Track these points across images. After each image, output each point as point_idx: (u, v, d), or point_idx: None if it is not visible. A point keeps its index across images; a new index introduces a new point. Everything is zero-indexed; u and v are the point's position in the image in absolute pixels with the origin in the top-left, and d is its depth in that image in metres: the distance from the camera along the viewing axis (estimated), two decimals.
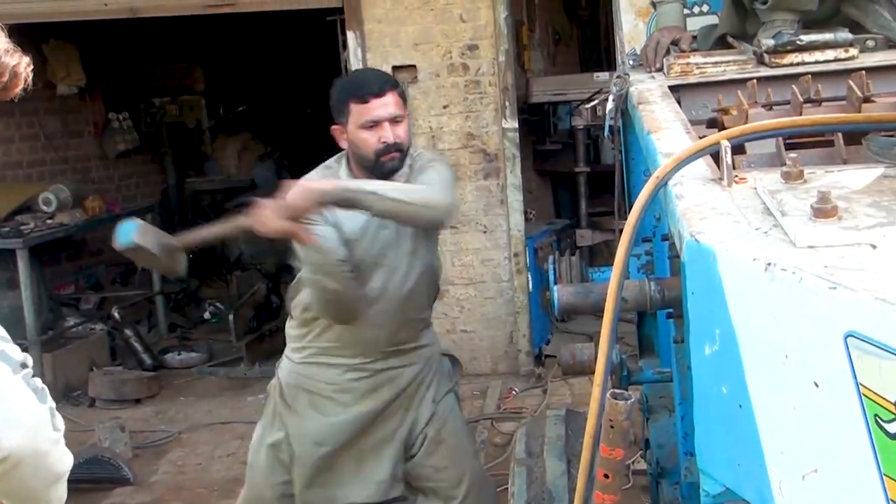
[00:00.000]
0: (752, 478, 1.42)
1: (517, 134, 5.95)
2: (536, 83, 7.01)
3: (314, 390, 3.15)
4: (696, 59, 2.85)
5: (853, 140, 1.93)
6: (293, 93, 9.91)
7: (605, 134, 3.04)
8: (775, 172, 1.70)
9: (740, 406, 1.42)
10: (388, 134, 2.95)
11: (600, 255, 7.63)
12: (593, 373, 2.92)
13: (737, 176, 1.70)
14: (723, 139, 1.71)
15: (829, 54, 2.74)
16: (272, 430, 3.22)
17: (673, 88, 2.74)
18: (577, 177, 7.25)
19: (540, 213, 7.23)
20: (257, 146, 9.60)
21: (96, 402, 6.38)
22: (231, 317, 6.93)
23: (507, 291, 6.06)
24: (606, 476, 1.50)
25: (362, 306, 2.94)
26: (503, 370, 6.14)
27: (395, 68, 5.88)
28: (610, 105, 2.84)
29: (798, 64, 2.75)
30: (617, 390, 1.49)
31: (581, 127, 7.04)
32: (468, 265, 6.07)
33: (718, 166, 1.78)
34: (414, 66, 5.90)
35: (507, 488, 4.51)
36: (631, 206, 3.44)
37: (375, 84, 3.00)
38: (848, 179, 1.59)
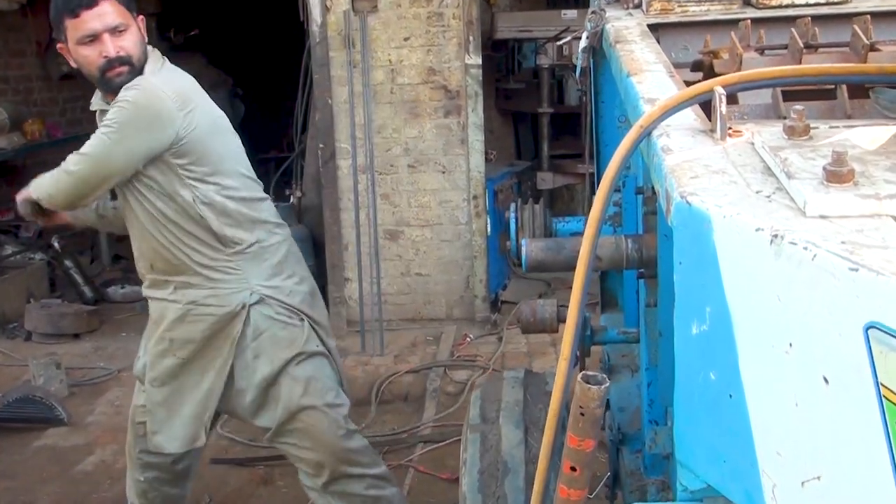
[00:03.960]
0: (739, 478, 1.25)
1: (480, 71, 5.69)
2: (502, 18, 6.75)
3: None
4: None
5: (857, 92, 1.74)
6: (250, 18, 9.54)
7: (577, 74, 2.82)
8: (775, 126, 1.50)
9: (730, 396, 1.24)
10: (109, 47, 2.70)
11: (561, 200, 7.46)
12: (555, 331, 2.75)
13: (731, 128, 1.49)
14: (717, 86, 1.50)
15: None
16: (143, 352, 3.20)
17: (652, 27, 2.53)
18: (540, 117, 7.04)
19: (500, 154, 7.01)
20: (211, 73, 9.23)
21: (32, 335, 6.13)
22: None
23: (465, 234, 5.86)
24: (573, 469, 1.31)
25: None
26: (458, 315, 5.95)
27: None
28: (583, 43, 2.62)
29: (788, 6, 2.56)
30: (589, 372, 1.29)
31: (546, 66, 6.83)
32: (425, 206, 5.84)
33: (709, 116, 1.58)
34: None
35: (454, 441, 4.38)
36: (599, 152, 3.25)
37: None
38: (859, 137, 1.39)
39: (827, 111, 1.72)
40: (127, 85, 2.72)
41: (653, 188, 2.05)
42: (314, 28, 5.66)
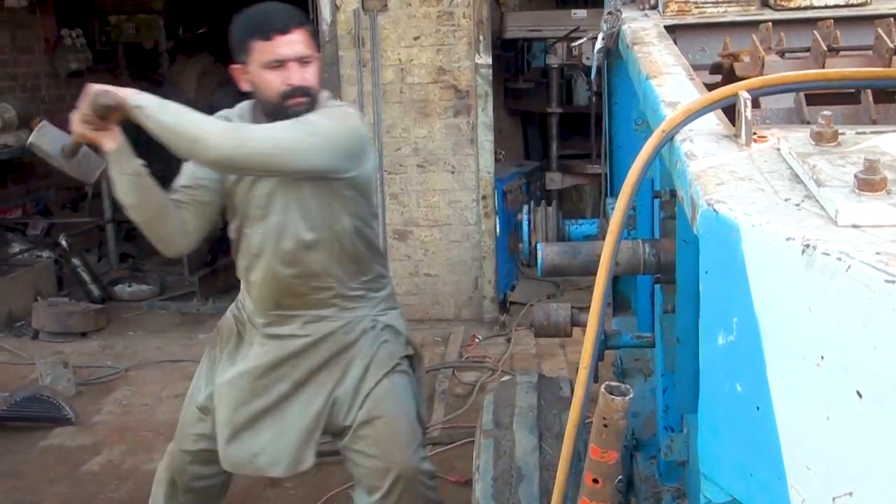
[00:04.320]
0: (767, 492, 1.22)
1: (490, 70, 5.66)
2: (511, 18, 6.71)
3: (238, 341, 2.98)
4: None
5: (881, 97, 1.71)
6: None
7: (592, 75, 2.79)
8: (800, 131, 1.47)
9: (758, 408, 1.22)
10: (295, 75, 2.65)
11: (569, 200, 7.42)
12: (568, 335, 2.72)
13: (755, 134, 1.47)
14: (741, 90, 1.48)
15: None
16: (206, 383, 3.00)
17: (668, 29, 2.50)
18: (548, 117, 7.01)
19: (509, 154, 6.98)
20: (219, 70, 9.16)
21: (40, 334, 6.11)
22: None
23: (474, 235, 5.83)
24: (596, 481, 1.28)
25: (176, 236, 2.76)
26: (466, 316, 5.93)
27: None
28: (599, 44, 2.59)
29: (806, 7, 2.53)
30: (613, 383, 1.27)
31: (555, 66, 6.80)
32: (434, 206, 5.82)
33: (732, 120, 1.55)
34: None
35: (463, 443, 4.36)
36: (612, 153, 3.22)
37: (280, 20, 2.68)
38: (889, 144, 1.36)
39: (851, 115, 1.69)
40: (334, 103, 2.74)
41: (671, 192, 2.02)
42: (324, 27, 5.63)
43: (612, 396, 1.25)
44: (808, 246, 1.10)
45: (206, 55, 9.15)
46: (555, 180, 6.94)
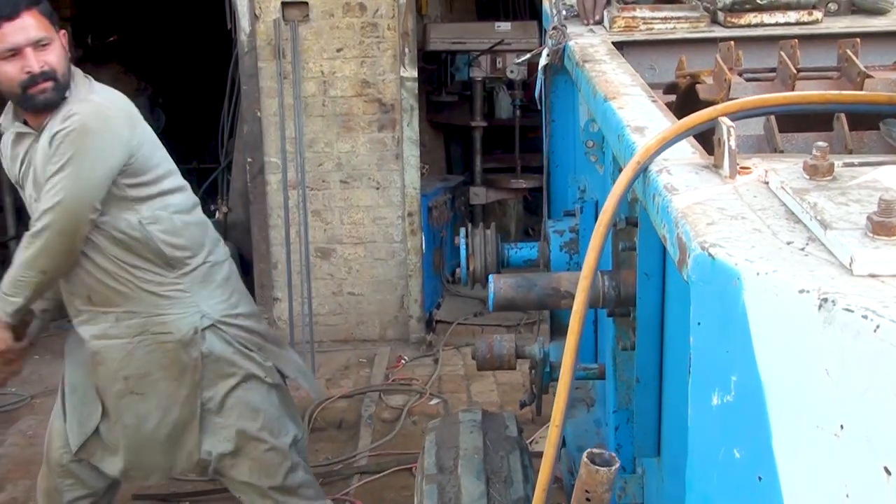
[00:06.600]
0: None
1: (416, 84, 5.51)
2: (434, 30, 6.58)
3: None
4: (643, 12, 2.51)
5: (855, 124, 1.61)
6: (169, 24, 9.24)
7: (536, 93, 2.66)
8: (784, 161, 1.35)
9: (760, 478, 1.08)
10: (32, 62, 2.55)
11: (493, 215, 7.31)
12: (512, 368, 2.58)
13: (738, 164, 1.34)
14: (721, 116, 1.35)
15: (791, 16, 2.44)
16: None
17: (616, 45, 2.39)
18: (472, 131, 6.89)
19: (432, 168, 6.84)
20: (129, 80, 8.89)
21: None
22: None
23: (400, 253, 5.66)
24: None
25: None
26: (392, 336, 5.75)
27: (284, 4, 5.36)
28: (544, 60, 2.46)
29: (757, 25, 2.45)
30: (596, 450, 1.12)
31: (479, 79, 6.71)
32: (358, 223, 5.63)
33: (706, 147, 1.43)
34: (306, 3, 5.38)
35: (392, 472, 4.18)
36: (549, 171, 3.09)
37: (6, 5, 2.56)
38: (888, 178, 1.24)
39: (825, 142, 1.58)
40: (65, 113, 2.57)
41: (626, 220, 1.89)
42: (242, 37, 5.42)
43: (597, 467, 1.10)
44: (825, 300, 0.97)
45: (116, 64, 8.82)
46: (479, 195, 6.84)
